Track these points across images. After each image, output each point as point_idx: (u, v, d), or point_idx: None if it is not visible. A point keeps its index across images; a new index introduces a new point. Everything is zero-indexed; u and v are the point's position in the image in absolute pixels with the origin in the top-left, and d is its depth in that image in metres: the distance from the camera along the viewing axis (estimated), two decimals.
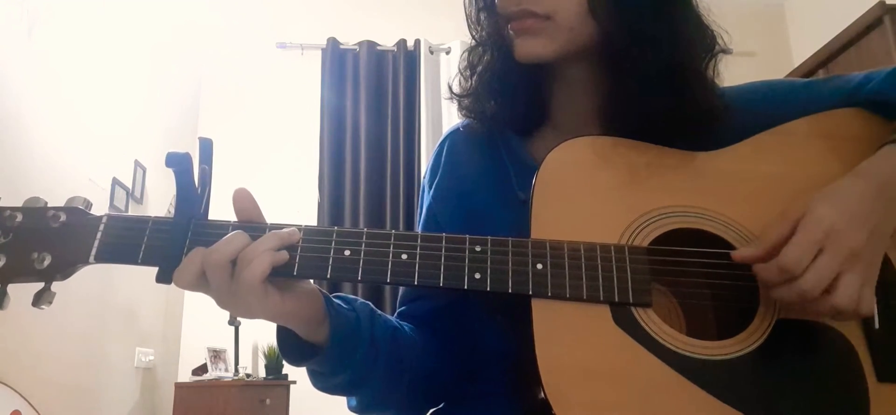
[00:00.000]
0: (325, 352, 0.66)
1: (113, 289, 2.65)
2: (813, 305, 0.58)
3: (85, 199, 0.64)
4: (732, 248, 0.65)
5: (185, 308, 3.40)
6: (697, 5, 0.76)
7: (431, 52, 3.74)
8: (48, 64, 2.28)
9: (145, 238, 0.61)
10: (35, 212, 0.62)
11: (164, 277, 0.60)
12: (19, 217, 0.62)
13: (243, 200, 0.63)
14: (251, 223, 0.62)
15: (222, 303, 0.59)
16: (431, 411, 0.80)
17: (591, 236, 0.64)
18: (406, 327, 0.77)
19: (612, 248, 0.64)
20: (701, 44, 0.74)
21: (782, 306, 0.62)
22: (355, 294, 0.72)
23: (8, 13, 2.07)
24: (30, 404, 2.02)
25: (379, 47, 3.74)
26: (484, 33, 0.81)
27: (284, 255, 0.60)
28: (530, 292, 0.61)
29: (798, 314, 0.61)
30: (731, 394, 0.58)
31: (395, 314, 0.82)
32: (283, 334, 0.67)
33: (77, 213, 0.63)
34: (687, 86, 0.71)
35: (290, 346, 0.67)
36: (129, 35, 2.88)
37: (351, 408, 0.74)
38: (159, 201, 3.09)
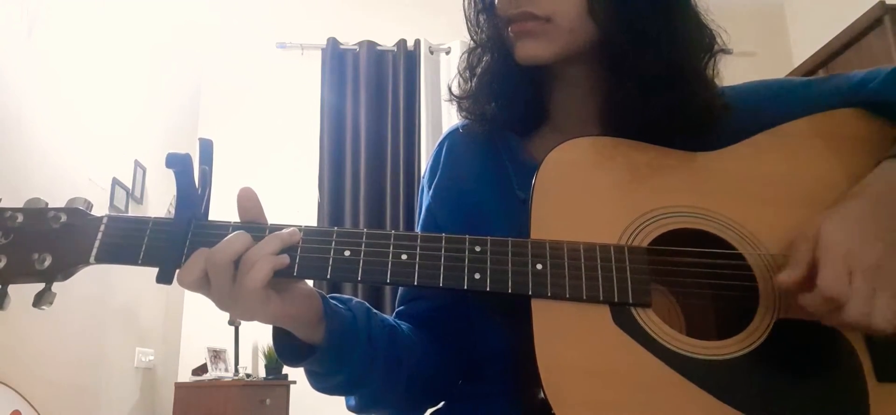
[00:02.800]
0: (323, 352, 0.66)
1: (113, 289, 2.65)
2: (857, 329, 0.57)
3: (85, 199, 0.64)
4: (732, 248, 0.65)
5: (185, 308, 3.40)
6: (696, 4, 0.76)
7: (431, 53, 3.74)
8: (48, 64, 2.28)
9: (146, 239, 0.61)
10: (36, 213, 0.63)
11: (164, 278, 0.60)
12: (20, 218, 0.62)
13: (247, 200, 0.63)
14: (252, 224, 0.63)
15: (222, 305, 0.59)
16: (431, 410, 0.80)
17: (591, 236, 0.64)
18: (404, 327, 0.77)
19: (612, 248, 0.64)
20: (700, 43, 0.74)
21: (789, 310, 0.61)
22: (355, 294, 0.72)
23: (8, 13, 2.07)
24: (30, 404, 2.02)
25: (379, 47, 3.74)
26: (483, 35, 0.81)
27: (285, 258, 0.60)
28: (530, 293, 0.61)
29: (803, 316, 0.60)
30: (730, 394, 0.58)
31: (394, 314, 0.82)
32: (279, 334, 0.67)
33: (78, 213, 0.63)
34: (686, 85, 0.71)
35: (287, 347, 0.67)
36: (129, 35, 2.88)
37: (350, 407, 0.74)
38: (159, 201, 3.09)
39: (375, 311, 0.73)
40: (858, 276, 0.56)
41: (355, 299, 0.71)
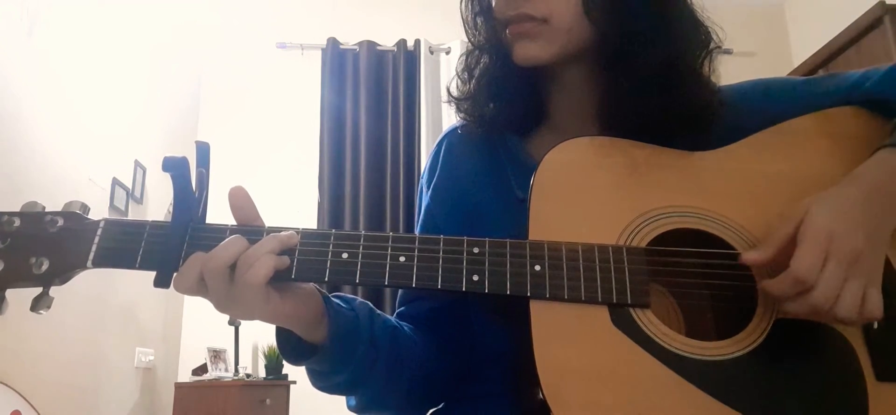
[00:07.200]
0: (325, 351, 0.66)
1: (113, 289, 2.65)
2: (822, 315, 0.58)
3: (82, 203, 0.64)
4: (731, 248, 0.65)
5: (185, 308, 3.40)
6: (692, 3, 0.75)
7: (431, 53, 3.74)
8: (48, 64, 2.27)
9: (143, 243, 0.61)
10: (33, 217, 0.62)
11: (162, 282, 0.60)
12: (17, 222, 0.62)
13: (239, 199, 0.63)
14: (249, 227, 0.62)
15: (221, 307, 0.59)
16: (431, 410, 0.80)
17: (590, 237, 0.64)
18: (405, 328, 0.77)
19: (610, 249, 0.64)
20: (696, 41, 0.74)
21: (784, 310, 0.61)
22: (355, 295, 0.72)
23: (8, 13, 2.07)
24: (30, 404, 2.02)
25: (379, 47, 3.73)
26: (481, 37, 0.81)
27: (286, 259, 0.60)
28: (528, 294, 0.61)
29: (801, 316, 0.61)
30: (729, 394, 0.58)
31: (394, 314, 0.82)
32: (282, 334, 0.67)
33: (74, 217, 0.63)
34: (682, 83, 0.71)
35: (290, 346, 0.67)
36: (129, 35, 2.88)
37: (350, 408, 0.74)
38: (159, 202, 3.09)
39: (378, 311, 0.73)
40: (833, 262, 0.56)
41: (358, 299, 0.71)
